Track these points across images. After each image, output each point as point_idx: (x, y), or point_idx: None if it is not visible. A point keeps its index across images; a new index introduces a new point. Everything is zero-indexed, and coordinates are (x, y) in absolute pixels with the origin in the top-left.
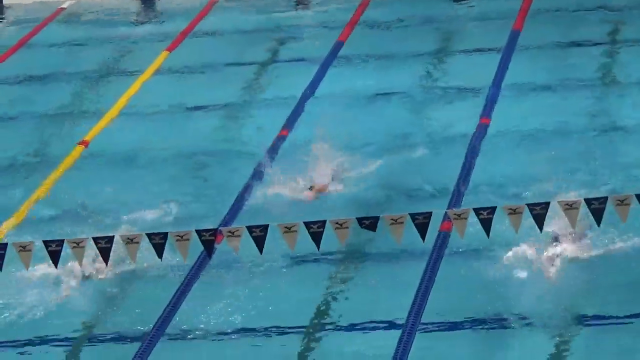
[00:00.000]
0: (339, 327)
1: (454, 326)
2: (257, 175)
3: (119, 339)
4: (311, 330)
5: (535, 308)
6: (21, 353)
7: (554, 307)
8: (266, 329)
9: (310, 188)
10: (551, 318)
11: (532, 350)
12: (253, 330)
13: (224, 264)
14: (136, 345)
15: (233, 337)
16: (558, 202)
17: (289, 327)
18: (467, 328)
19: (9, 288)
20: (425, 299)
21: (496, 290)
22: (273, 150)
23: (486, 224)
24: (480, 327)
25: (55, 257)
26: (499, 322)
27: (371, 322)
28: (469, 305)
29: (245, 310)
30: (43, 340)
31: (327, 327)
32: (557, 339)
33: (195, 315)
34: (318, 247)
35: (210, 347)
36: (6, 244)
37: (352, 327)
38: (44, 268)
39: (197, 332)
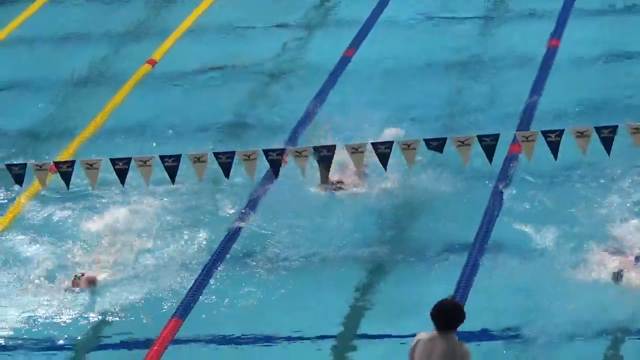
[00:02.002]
0: (404, 256)
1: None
2: (322, 95)
3: (184, 263)
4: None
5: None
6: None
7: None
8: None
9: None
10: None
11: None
12: (312, 253)
13: (290, 183)
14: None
15: (297, 257)
16: (626, 124)
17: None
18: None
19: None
20: (492, 223)
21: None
22: (338, 71)
23: (554, 147)
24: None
25: (122, 175)
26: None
27: (438, 250)
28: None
29: (307, 234)
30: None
31: (392, 254)
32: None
33: (258, 238)
34: (385, 168)
35: (273, 273)
36: (74, 162)
37: (419, 255)
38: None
39: (258, 256)
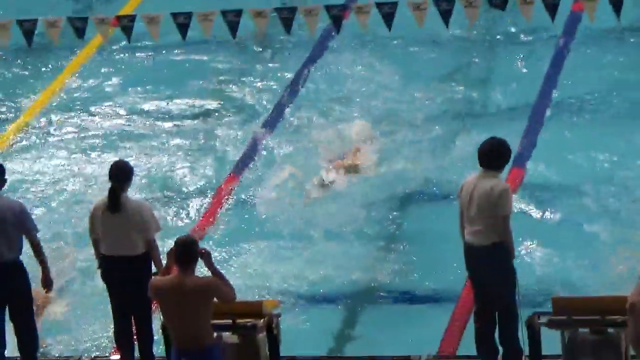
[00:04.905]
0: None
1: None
2: None
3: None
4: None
5: None
6: None
7: None
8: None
9: None
10: None
11: None
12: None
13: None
14: None
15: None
16: None
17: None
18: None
19: None
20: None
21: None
22: None
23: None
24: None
25: (184, 29)
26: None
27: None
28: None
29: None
30: None
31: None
32: None
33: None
34: (447, 26)
35: None
36: (134, 16)
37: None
38: None
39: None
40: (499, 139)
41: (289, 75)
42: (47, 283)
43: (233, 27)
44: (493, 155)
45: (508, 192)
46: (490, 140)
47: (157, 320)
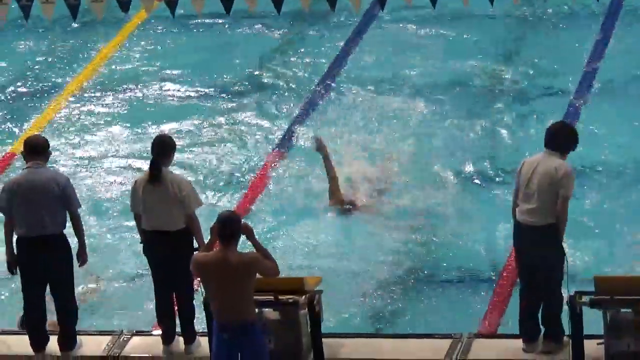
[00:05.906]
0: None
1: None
2: None
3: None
4: None
5: None
6: None
7: None
8: None
9: None
10: None
11: None
12: None
13: None
14: None
15: None
16: None
17: None
18: None
19: None
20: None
21: None
22: None
23: None
24: None
25: (227, 4)
26: None
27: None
28: None
29: None
30: None
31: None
32: None
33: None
34: (492, 3)
35: None
36: None
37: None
38: None
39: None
40: (569, 123)
41: (334, 51)
42: (82, 258)
43: (278, 2)
44: (560, 137)
45: (572, 175)
46: (559, 123)
47: (199, 296)
